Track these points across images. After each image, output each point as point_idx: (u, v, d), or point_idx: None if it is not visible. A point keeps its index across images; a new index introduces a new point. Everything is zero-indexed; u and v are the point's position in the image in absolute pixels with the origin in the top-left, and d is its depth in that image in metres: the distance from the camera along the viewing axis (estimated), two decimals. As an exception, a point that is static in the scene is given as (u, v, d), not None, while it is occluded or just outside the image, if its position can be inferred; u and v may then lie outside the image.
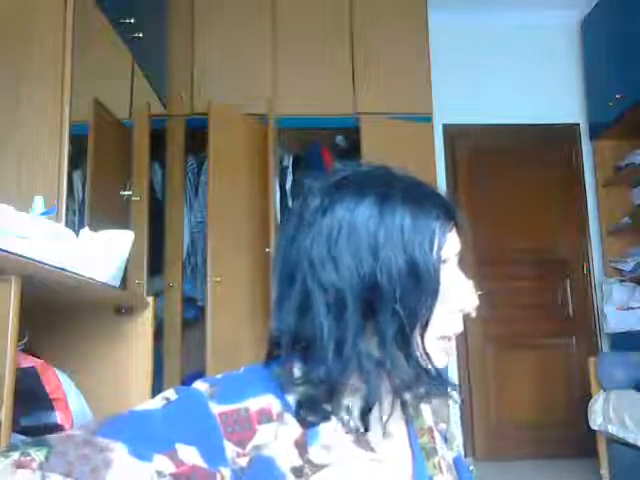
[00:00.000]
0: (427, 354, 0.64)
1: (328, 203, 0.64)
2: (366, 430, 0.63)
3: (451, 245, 0.67)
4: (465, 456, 3.47)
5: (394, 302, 0.61)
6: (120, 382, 1.38)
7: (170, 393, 0.61)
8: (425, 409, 0.77)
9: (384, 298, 0.61)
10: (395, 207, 0.63)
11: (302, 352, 0.65)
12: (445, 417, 0.80)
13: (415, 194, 0.65)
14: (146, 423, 0.57)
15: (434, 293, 0.63)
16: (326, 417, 0.63)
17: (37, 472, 0.50)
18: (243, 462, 0.58)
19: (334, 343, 0.61)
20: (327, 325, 0.62)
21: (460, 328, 0.67)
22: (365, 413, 0.63)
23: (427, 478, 0.70)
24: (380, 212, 0.63)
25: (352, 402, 0.64)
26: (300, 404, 0.62)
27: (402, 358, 0.63)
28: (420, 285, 0.62)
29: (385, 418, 0.65)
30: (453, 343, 0.68)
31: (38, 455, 0.51)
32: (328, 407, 0.63)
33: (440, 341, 0.66)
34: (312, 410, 0.62)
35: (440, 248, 0.64)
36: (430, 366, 0.64)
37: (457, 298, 0.67)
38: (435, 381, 0.65)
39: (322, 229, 0.63)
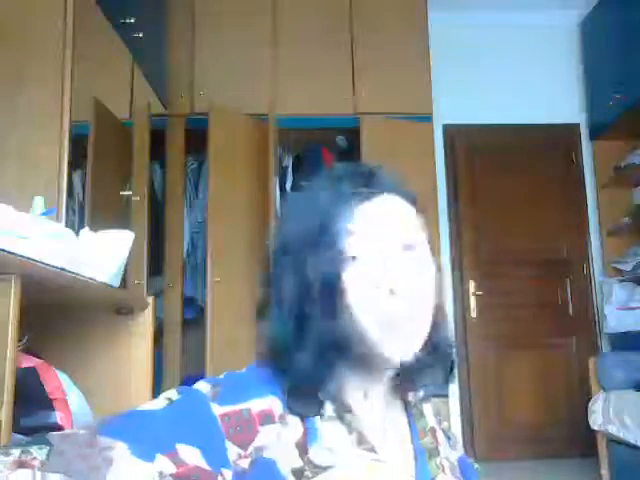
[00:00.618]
0: (354, 324, 0.63)
1: None
2: (343, 413, 0.64)
3: (366, 216, 0.66)
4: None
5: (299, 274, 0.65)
6: (120, 382, 1.38)
7: (172, 393, 0.61)
8: (427, 408, 0.77)
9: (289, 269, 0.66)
10: (314, 188, 0.69)
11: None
12: (446, 417, 0.80)
13: (337, 174, 0.69)
14: (148, 423, 0.57)
15: (338, 258, 0.64)
16: (315, 411, 0.63)
17: (37, 473, 0.49)
18: (245, 464, 0.58)
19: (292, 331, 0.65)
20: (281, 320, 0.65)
21: (395, 306, 0.64)
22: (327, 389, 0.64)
23: (429, 478, 0.70)
24: (304, 195, 0.70)
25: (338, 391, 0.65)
26: (287, 395, 0.63)
27: (329, 323, 0.63)
28: (324, 252, 0.64)
29: (387, 418, 0.65)
30: (407, 328, 0.65)
31: (39, 454, 0.51)
32: (315, 399, 0.63)
33: (371, 314, 0.64)
34: (301, 401, 0.63)
35: (344, 220, 0.64)
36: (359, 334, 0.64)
37: (375, 271, 0.64)
38: (367, 349, 0.64)
39: None
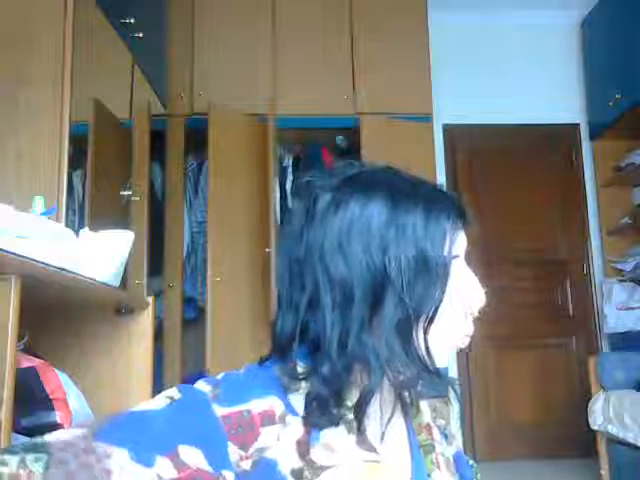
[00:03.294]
0: (428, 350, 0.64)
1: (340, 200, 0.65)
2: (360, 426, 0.63)
3: (461, 244, 0.68)
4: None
5: (401, 293, 0.62)
6: (120, 382, 1.38)
7: (174, 392, 0.60)
8: (423, 405, 0.77)
9: (392, 290, 0.62)
10: (407, 205, 0.64)
11: (309, 349, 0.65)
12: (445, 415, 0.80)
13: (425, 193, 0.67)
14: (148, 424, 0.56)
15: (442, 286, 0.64)
16: (335, 422, 0.62)
17: None
18: (246, 465, 0.58)
19: (338, 337, 0.62)
20: (332, 319, 0.62)
21: (471, 329, 0.68)
22: (361, 406, 0.63)
23: (425, 475, 0.70)
24: (392, 209, 0.64)
25: (353, 400, 0.64)
26: (309, 402, 0.62)
27: (403, 352, 0.63)
28: (429, 277, 0.63)
29: (387, 417, 0.65)
30: (467, 340, 0.69)
31: (36, 467, 0.49)
32: (335, 410, 0.62)
33: (452, 339, 0.67)
34: (319, 411, 0.61)
35: (451, 246, 0.66)
36: (430, 363, 0.64)
37: (466, 295, 0.67)
38: (434, 378, 0.65)
39: (334, 225, 0.64)
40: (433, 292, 0.63)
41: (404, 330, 0.63)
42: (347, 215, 0.64)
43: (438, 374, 0.65)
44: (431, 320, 0.64)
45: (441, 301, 0.64)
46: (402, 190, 0.66)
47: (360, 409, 0.63)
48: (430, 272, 0.63)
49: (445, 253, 0.65)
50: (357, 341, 0.62)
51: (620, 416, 2.75)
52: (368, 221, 0.63)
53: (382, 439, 0.65)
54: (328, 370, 0.62)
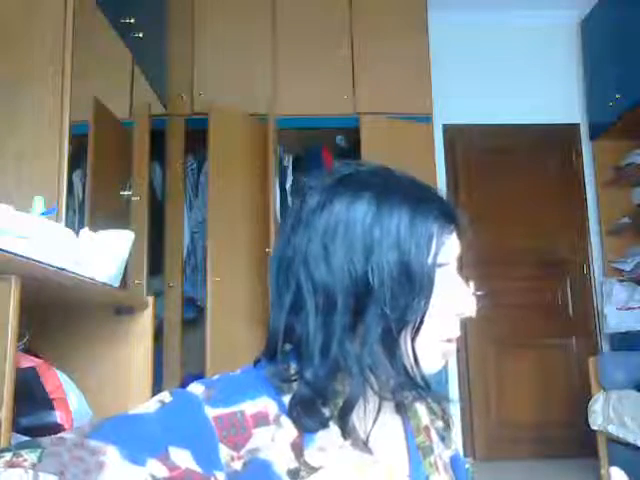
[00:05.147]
0: (415, 358, 0.63)
1: (326, 201, 0.63)
2: (345, 432, 0.63)
3: (450, 249, 0.66)
4: (465, 456, 3.46)
5: (383, 303, 0.61)
6: (120, 382, 1.38)
7: (165, 396, 0.60)
8: (421, 407, 0.76)
9: (374, 299, 0.61)
10: (392, 207, 0.63)
11: (295, 351, 0.64)
12: (442, 418, 0.79)
13: (414, 195, 0.65)
14: (140, 426, 0.57)
15: (426, 296, 0.62)
16: (324, 424, 0.62)
17: (29, 471, 0.49)
18: (238, 466, 0.58)
19: (321, 343, 0.61)
20: (315, 324, 0.61)
21: (458, 332, 0.66)
22: (344, 414, 0.62)
23: (423, 477, 0.70)
24: (377, 211, 0.62)
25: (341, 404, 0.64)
26: (294, 404, 0.61)
27: (388, 363, 0.62)
28: (412, 287, 0.62)
29: (372, 418, 0.64)
30: (454, 346, 0.67)
31: (30, 456, 0.51)
32: (325, 412, 0.62)
33: (440, 344, 0.66)
34: (307, 412, 0.61)
35: (437, 251, 0.63)
36: (417, 372, 0.63)
37: (455, 302, 0.66)
38: (420, 388, 0.64)
39: (318, 227, 0.63)
40: (417, 303, 0.62)
41: (388, 340, 0.62)
42: (331, 217, 0.62)
43: (427, 386, 0.64)
44: (417, 330, 0.63)
45: (426, 311, 0.63)
46: (391, 190, 0.64)
47: (343, 418, 0.62)
48: (413, 282, 0.61)
49: (430, 259, 0.63)
50: (339, 348, 0.61)
51: (620, 416, 2.75)
52: (353, 223, 0.62)
53: (368, 439, 0.64)
54: (311, 375, 0.61)
